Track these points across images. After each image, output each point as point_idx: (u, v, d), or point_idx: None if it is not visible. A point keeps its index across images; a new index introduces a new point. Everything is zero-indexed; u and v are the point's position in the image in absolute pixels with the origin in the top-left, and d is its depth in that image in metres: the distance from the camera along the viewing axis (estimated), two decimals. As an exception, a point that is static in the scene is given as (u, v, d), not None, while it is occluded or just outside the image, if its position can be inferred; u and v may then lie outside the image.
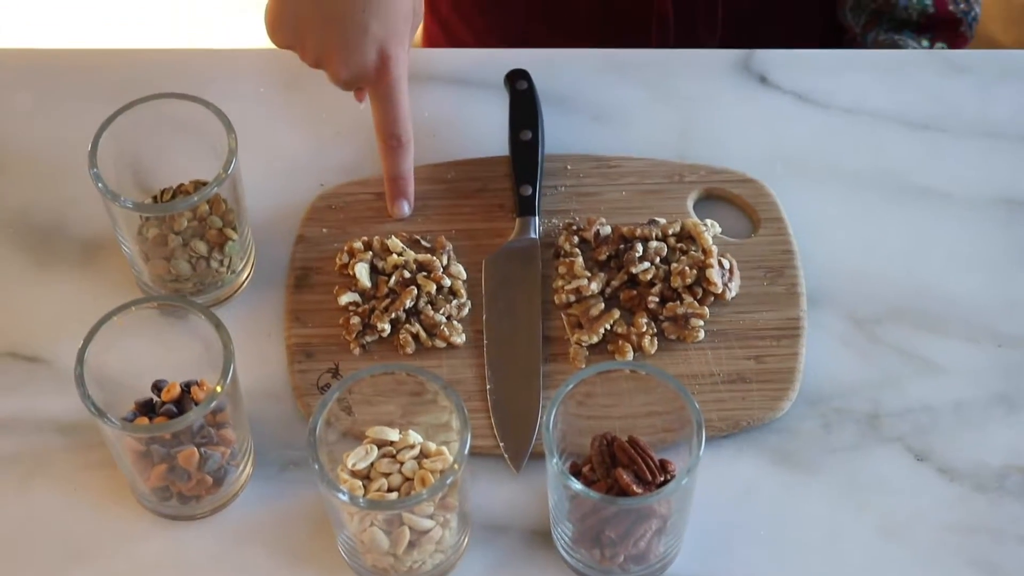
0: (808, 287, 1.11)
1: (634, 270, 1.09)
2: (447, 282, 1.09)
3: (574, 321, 1.09)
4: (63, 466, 1.05)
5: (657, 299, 1.08)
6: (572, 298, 1.09)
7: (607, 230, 1.12)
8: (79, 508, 1.03)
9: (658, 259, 1.10)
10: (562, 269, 1.10)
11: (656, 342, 1.07)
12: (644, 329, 1.08)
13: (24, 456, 1.05)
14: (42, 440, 1.06)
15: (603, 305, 1.09)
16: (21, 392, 1.08)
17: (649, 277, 1.09)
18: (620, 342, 1.07)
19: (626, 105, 1.21)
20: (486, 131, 1.19)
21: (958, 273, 1.12)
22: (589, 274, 1.10)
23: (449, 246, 1.12)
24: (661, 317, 1.08)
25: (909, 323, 1.10)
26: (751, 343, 1.08)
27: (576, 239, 1.11)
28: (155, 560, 1.02)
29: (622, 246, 1.11)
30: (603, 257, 1.11)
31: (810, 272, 1.11)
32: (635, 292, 1.09)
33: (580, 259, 1.10)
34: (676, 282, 1.09)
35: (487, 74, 1.22)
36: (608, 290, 1.10)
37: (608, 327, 1.08)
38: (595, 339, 1.07)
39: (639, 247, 1.10)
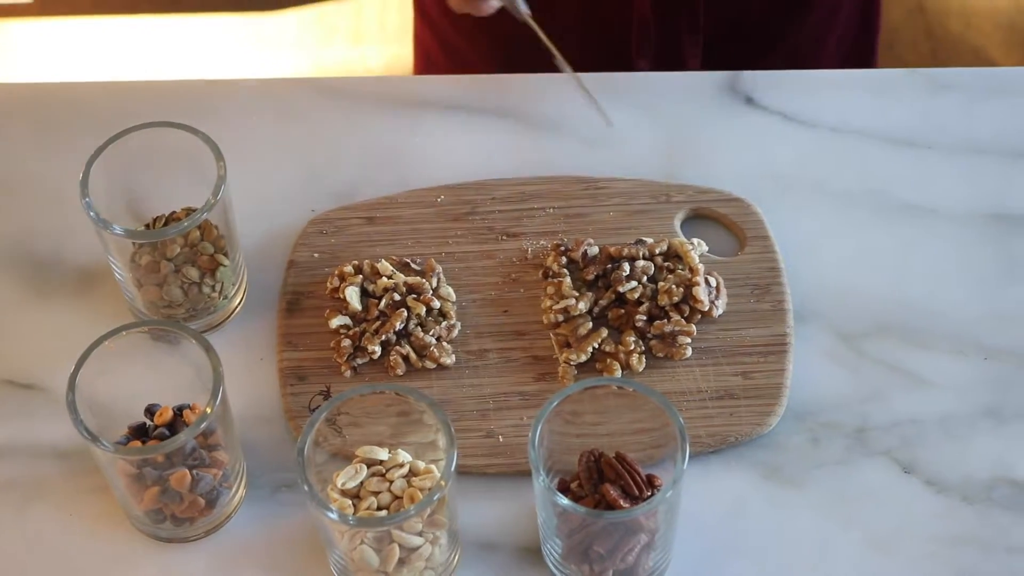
0: (795, 303, 1.11)
1: (621, 289, 1.10)
2: (437, 304, 1.10)
3: (562, 340, 1.10)
4: (60, 491, 1.06)
5: (645, 317, 1.09)
6: (560, 318, 1.10)
7: (595, 250, 1.13)
8: (75, 532, 1.04)
9: (645, 278, 1.11)
10: (550, 289, 1.11)
11: (644, 360, 1.08)
12: (632, 347, 1.08)
13: (21, 482, 1.06)
14: (39, 466, 1.07)
15: (591, 324, 1.10)
16: (18, 419, 1.09)
17: (636, 296, 1.10)
18: (608, 360, 1.08)
19: (614, 127, 1.22)
20: (475, 155, 1.20)
21: (944, 287, 1.13)
22: (577, 294, 1.11)
23: (439, 268, 1.13)
24: (649, 335, 1.09)
25: (895, 337, 1.11)
26: (738, 360, 1.09)
27: (564, 259, 1.12)
28: (150, 582, 1.03)
29: (609, 266, 1.12)
30: (591, 277, 1.12)
31: (796, 289, 1.12)
32: (623, 311, 1.10)
33: (568, 279, 1.11)
34: (663, 300, 1.09)
35: (477, 100, 1.24)
36: (596, 309, 1.11)
37: (596, 346, 1.09)
38: (583, 358, 1.08)
39: (626, 266, 1.11)
